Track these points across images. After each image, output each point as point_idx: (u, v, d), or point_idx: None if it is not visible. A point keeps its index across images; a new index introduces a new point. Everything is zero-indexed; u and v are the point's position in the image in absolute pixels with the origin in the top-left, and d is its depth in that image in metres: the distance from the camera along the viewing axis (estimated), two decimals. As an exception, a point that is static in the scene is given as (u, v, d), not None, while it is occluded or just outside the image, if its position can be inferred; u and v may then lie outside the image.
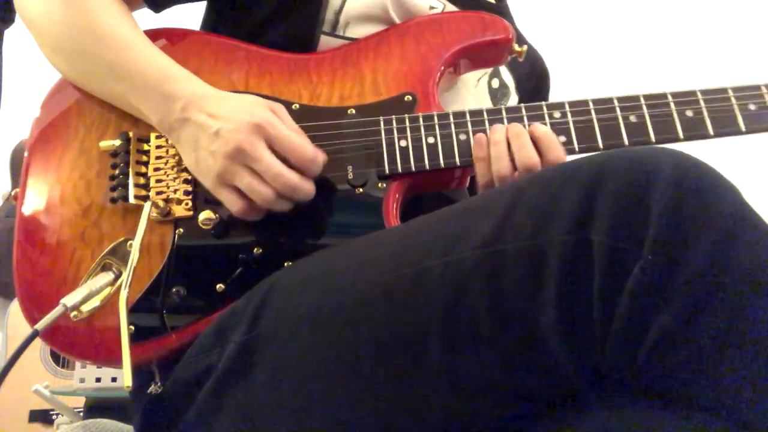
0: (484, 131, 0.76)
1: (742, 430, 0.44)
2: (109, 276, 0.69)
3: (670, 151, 0.51)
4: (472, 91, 0.94)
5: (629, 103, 0.76)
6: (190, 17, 0.97)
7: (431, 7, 0.90)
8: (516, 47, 0.84)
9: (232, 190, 0.70)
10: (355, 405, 0.57)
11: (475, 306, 0.52)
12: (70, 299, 0.64)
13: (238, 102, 0.72)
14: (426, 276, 0.54)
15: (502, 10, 1.01)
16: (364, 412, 0.57)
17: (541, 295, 0.50)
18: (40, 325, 0.62)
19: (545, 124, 0.76)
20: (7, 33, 0.98)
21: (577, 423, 0.51)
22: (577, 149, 0.75)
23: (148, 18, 0.88)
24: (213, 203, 0.75)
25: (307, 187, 0.71)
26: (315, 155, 0.71)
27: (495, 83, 0.96)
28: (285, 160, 0.70)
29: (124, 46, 0.76)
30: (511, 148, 0.73)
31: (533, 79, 1.02)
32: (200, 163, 0.71)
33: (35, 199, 0.77)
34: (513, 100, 0.97)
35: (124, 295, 0.65)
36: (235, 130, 0.68)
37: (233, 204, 0.70)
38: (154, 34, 0.83)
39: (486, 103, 0.95)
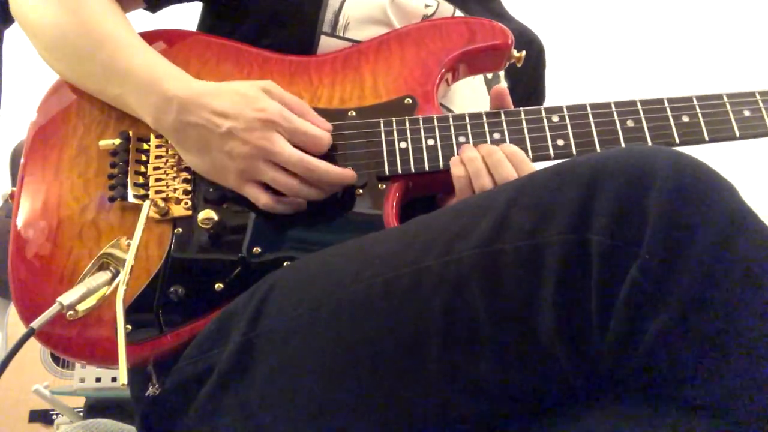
0: (483, 134, 0.77)
1: (740, 429, 0.44)
2: (106, 275, 0.68)
3: (667, 150, 0.50)
4: (470, 81, 0.94)
5: (626, 108, 0.77)
6: (186, 18, 0.97)
7: (426, 5, 0.91)
8: (515, 53, 0.84)
9: (256, 184, 0.72)
10: (355, 404, 0.57)
11: (474, 305, 0.52)
12: (66, 298, 0.63)
13: (233, 95, 0.72)
14: (425, 275, 0.54)
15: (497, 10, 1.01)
16: (364, 411, 0.57)
17: (540, 295, 0.49)
18: (36, 323, 0.61)
19: (543, 127, 0.77)
20: (7, 33, 0.98)
21: (576, 423, 0.50)
22: (575, 153, 0.76)
23: (144, 19, 0.89)
24: (212, 203, 0.75)
25: (324, 167, 0.72)
26: (324, 134, 0.74)
27: (489, 74, 0.96)
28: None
29: (117, 48, 0.77)
30: (488, 165, 0.74)
31: (529, 63, 1.00)
32: (216, 164, 0.72)
33: (32, 197, 0.76)
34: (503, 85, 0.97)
35: (120, 291, 0.65)
36: (249, 130, 0.69)
37: (258, 198, 0.72)
38: (155, 36, 0.84)
39: (482, 93, 0.95)
